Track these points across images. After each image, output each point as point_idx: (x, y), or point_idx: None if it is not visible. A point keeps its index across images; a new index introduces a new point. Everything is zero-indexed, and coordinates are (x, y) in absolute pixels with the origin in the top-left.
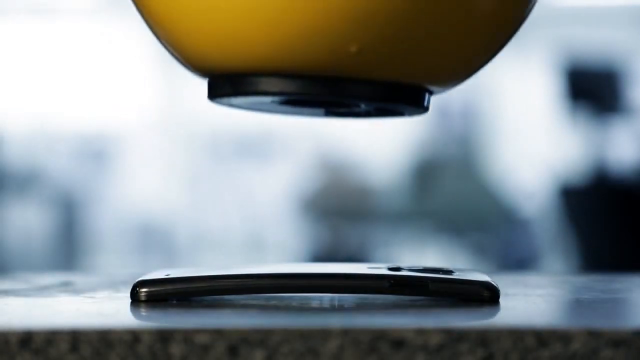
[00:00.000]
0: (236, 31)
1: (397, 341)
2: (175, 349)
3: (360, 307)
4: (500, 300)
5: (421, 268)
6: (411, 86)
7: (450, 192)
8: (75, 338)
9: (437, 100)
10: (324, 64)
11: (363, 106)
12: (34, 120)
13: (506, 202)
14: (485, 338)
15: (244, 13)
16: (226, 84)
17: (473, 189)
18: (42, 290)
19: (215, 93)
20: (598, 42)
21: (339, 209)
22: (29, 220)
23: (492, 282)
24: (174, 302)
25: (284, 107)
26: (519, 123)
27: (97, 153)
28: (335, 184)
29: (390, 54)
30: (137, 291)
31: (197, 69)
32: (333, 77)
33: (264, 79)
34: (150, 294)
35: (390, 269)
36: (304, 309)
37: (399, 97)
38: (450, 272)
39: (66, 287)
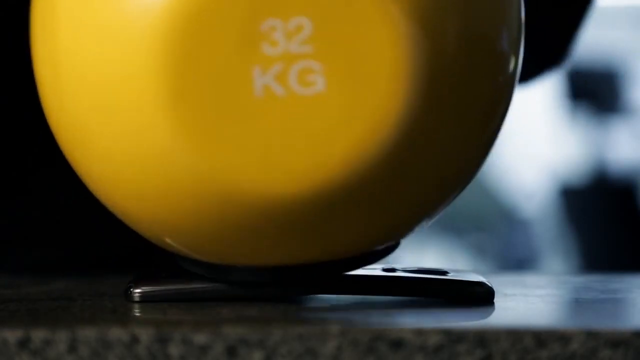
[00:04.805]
0: (198, 236)
1: (395, 341)
2: (174, 350)
3: (358, 308)
4: (499, 300)
5: (415, 269)
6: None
7: None
8: (74, 339)
9: None
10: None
11: None
12: None
13: (506, 202)
14: (483, 339)
15: (205, 226)
16: (193, 264)
17: (473, 189)
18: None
19: (182, 264)
20: (598, 42)
21: None
22: None
23: (487, 282)
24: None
25: None
26: (518, 123)
27: None
28: None
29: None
30: (130, 292)
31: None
32: (300, 264)
33: (233, 270)
34: (145, 295)
35: (384, 270)
36: (302, 309)
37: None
38: (445, 272)
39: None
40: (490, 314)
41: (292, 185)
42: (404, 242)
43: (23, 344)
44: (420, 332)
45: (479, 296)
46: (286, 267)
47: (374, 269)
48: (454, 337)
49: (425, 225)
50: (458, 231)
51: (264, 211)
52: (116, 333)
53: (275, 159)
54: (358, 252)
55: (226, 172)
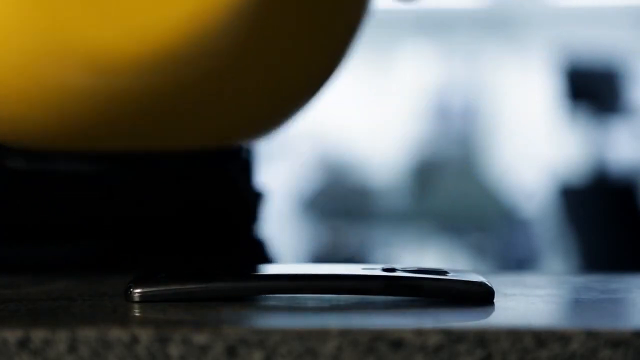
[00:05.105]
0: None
1: (395, 342)
2: (174, 350)
3: (358, 308)
4: (499, 300)
5: (415, 269)
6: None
7: (450, 192)
8: (74, 339)
9: (436, 101)
10: (115, 145)
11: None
12: None
13: (506, 202)
14: (483, 339)
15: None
16: (20, 156)
17: (473, 189)
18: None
19: (7, 161)
20: (598, 42)
21: (339, 209)
22: None
23: (487, 283)
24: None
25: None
26: (519, 123)
27: None
28: (335, 184)
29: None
30: (130, 292)
31: None
32: (129, 153)
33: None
34: (144, 295)
35: (384, 270)
36: (302, 309)
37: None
38: (445, 272)
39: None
40: (490, 314)
41: (130, 46)
42: (404, 241)
43: (23, 344)
44: (420, 332)
45: (479, 296)
46: (123, 155)
47: (374, 269)
48: (454, 337)
49: (277, 131)
50: (458, 231)
51: (100, 74)
52: (116, 333)
53: (114, 16)
54: (200, 147)
55: (59, 27)
